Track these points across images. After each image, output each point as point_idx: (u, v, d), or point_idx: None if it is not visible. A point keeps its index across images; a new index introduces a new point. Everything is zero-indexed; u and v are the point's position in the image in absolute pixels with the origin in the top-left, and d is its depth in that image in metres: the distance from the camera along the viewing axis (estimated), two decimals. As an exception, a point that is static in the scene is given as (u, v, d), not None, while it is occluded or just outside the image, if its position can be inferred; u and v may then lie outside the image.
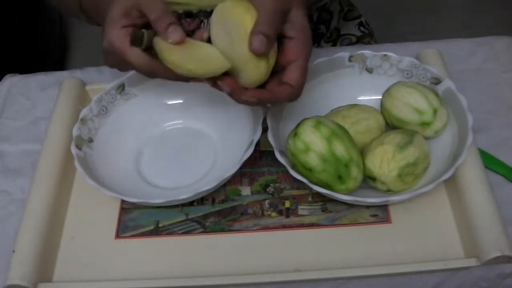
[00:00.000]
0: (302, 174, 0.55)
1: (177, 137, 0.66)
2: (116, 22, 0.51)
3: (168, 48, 0.49)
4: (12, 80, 0.76)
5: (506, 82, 0.69)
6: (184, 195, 0.55)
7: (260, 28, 0.47)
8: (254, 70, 0.49)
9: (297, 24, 0.50)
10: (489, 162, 0.60)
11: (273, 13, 0.48)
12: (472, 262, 0.51)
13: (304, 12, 0.52)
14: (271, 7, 0.48)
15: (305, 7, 0.52)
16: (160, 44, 0.49)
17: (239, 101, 0.51)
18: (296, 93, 0.51)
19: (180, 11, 0.70)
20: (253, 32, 0.47)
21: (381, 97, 0.62)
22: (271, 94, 0.50)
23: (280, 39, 0.50)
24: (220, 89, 0.51)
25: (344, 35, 0.88)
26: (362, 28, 0.89)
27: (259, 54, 0.48)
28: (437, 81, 0.61)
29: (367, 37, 0.89)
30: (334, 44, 0.88)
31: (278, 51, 0.50)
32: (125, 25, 0.51)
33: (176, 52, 0.49)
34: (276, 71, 0.51)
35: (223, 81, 0.50)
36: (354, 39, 0.88)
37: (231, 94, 0.51)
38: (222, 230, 0.58)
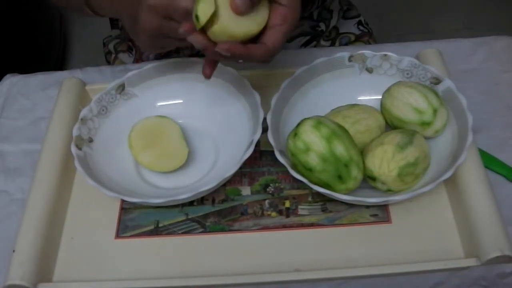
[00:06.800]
0: (302, 174, 0.55)
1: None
2: None
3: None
4: (12, 80, 0.76)
5: (506, 82, 0.69)
6: (184, 195, 0.55)
7: None
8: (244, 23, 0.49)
9: None
10: (489, 162, 0.60)
11: None
12: (472, 262, 0.51)
13: None
14: None
15: None
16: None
17: (212, 53, 0.50)
18: (270, 55, 0.50)
19: None
20: None
21: (381, 97, 0.62)
22: (246, 50, 0.49)
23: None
24: (191, 45, 0.50)
25: (343, 33, 0.89)
26: (361, 27, 0.89)
27: (238, 13, 0.48)
28: (437, 81, 0.61)
29: (366, 36, 0.89)
30: (333, 43, 0.88)
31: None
32: None
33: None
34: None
35: (196, 36, 0.49)
36: (353, 38, 0.88)
37: (205, 49, 0.49)
38: (222, 230, 0.58)
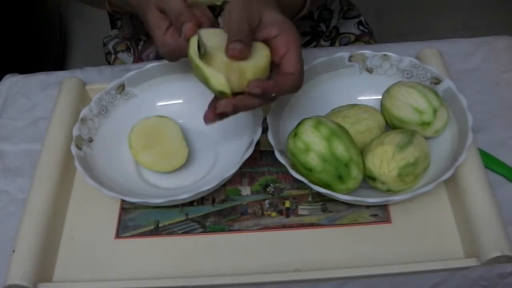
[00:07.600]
0: (302, 174, 0.55)
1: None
2: (159, 27, 0.53)
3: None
4: (12, 80, 0.76)
5: (506, 82, 0.69)
6: (184, 195, 0.55)
7: (232, 38, 0.48)
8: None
9: (275, 22, 0.51)
10: (489, 162, 0.60)
11: (240, 23, 0.49)
12: (472, 262, 0.51)
13: (278, 10, 0.52)
14: (237, 19, 0.49)
15: (277, 5, 0.53)
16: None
17: (245, 106, 0.50)
18: (299, 80, 0.51)
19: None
20: (227, 43, 0.49)
21: (381, 97, 0.62)
22: (275, 83, 0.50)
23: (267, 42, 0.51)
24: (220, 115, 0.50)
25: (343, 33, 0.89)
26: (361, 27, 0.89)
27: (239, 58, 0.48)
28: (437, 81, 0.61)
29: (366, 36, 0.89)
30: (333, 43, 0.88)
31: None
32: (167, 27, 0.53)
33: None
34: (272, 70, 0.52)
35: (222, 101, 0.49)
36: (353, 38, 0.88)
37: (234, 109, 0.50)
38: (222, 230, 0.58)
